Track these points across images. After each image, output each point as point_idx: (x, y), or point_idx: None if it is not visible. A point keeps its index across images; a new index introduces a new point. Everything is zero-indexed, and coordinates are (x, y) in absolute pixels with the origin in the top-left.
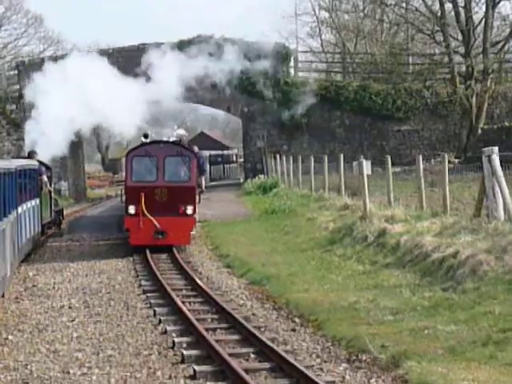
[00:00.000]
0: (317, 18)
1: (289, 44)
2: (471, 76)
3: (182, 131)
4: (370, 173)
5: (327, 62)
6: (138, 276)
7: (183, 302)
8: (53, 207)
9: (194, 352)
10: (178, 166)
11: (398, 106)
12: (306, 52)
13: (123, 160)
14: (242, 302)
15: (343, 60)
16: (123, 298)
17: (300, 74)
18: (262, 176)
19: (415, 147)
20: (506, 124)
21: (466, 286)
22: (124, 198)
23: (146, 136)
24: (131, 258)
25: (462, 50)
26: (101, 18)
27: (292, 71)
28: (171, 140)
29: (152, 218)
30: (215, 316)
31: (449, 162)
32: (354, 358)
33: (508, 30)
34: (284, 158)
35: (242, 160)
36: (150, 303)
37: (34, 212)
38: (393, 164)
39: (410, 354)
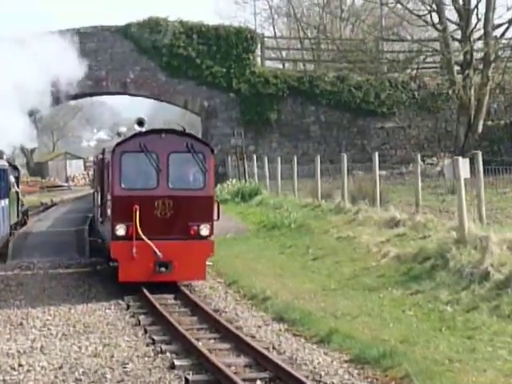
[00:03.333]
0: (269, 5)
1: None
2: (469, 64)
3: (124, 128)
4: (468, 176)
5: (301, 49)
6: (154, 342)
7: None
8: (19, 208)
9: None
10: (187, 166)
11: (382, 100)
12: (273, 38)
13: (50, 163)
14: None
15: (317, 46)
16: None
17: (267, 62)
18: (233, 180)
19: (401, 147)
20: None
21: None
22: (108, 213)
23: (140, 123)
24: (123, 302)
25: (457, 34)
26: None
27: (259, 60)
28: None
29: (151, 243)
30: None
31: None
32: None
33: None
34: (266, 160)
35: None
36: None
37: (4, 212)
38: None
39: None
